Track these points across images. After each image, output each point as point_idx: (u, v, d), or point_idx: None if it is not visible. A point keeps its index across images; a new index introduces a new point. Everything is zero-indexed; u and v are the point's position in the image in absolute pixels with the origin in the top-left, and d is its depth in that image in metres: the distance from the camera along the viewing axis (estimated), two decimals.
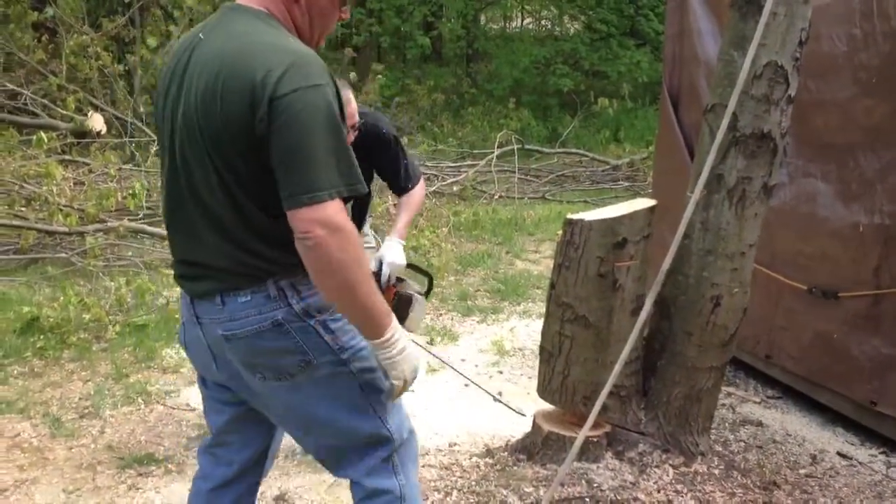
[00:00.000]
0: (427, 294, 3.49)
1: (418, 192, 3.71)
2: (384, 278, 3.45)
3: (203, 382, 2.32)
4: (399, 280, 3.48)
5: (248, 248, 1.97)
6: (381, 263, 3.43)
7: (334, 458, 2.22)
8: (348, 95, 3.41)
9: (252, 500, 2.44)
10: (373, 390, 2.12)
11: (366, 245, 3.98)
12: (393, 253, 3.45)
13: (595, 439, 3.47)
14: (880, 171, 3.80)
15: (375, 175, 3.71)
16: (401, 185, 3.67)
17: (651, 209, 3.29)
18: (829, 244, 4.09)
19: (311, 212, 1.81)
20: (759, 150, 3.15)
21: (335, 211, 1.82)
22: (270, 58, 1.84)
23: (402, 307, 3.45)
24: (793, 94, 3.21)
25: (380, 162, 3.65)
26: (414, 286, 3.52)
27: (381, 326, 1.97)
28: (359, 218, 3.81)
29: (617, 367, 2.72)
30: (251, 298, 2.00)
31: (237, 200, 1.94)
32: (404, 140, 3.81)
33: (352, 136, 3.43)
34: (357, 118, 3.47)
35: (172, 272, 2.21)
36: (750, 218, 3.23)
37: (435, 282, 4.01)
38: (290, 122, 1.81)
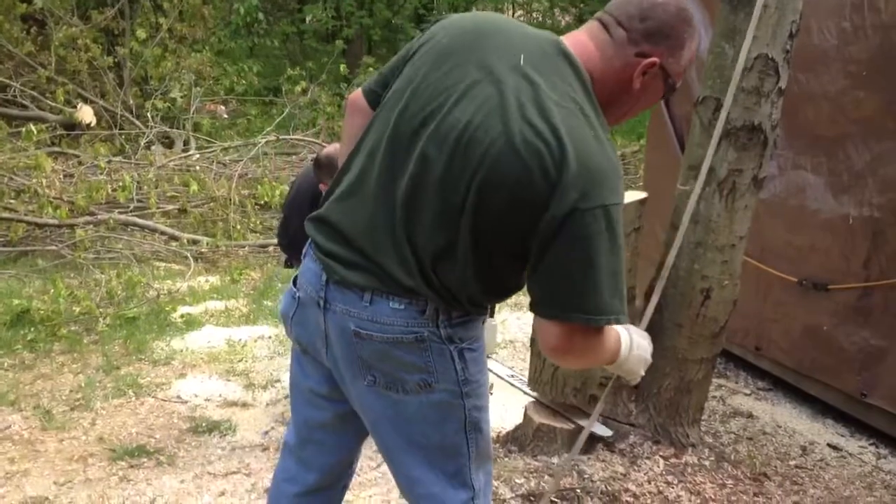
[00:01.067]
0: (491, 313, 3.48)
1: None
2: None
3: (304, 369, 2.15)
4: None
5: (427, 280, 1.82)
6: None
7: (413, 487, 2.07)
8: None
9: None
10: (474, 430, 2.01)
11: None
12: None
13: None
14: (870, 164, 3.82)
15: None
16: None
17: (641, 202, 3.29)
18: (818, 236, 4.11)
19: (568, 328, 1.74)
20: (750, 143, 3.16)
21: (580, 332, 1.76)
22: (591, 159, 1.66)
23: None
24: (783, 87, 3.21)
25: None
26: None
27: (616, 357, 1.99)
28: None
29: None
30: (405, 309, 1.85)
31: (451, 245, 1.78)
32: None
33: None
34: None
35: (315, 241, 1.98)
36: (740, 210, 3.24)
37: None
38: (589, 238, 1.66)
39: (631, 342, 2.01)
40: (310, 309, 1.98)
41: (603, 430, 3.42)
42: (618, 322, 1.74)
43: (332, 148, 3.66)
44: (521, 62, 1.74)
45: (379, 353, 1.89)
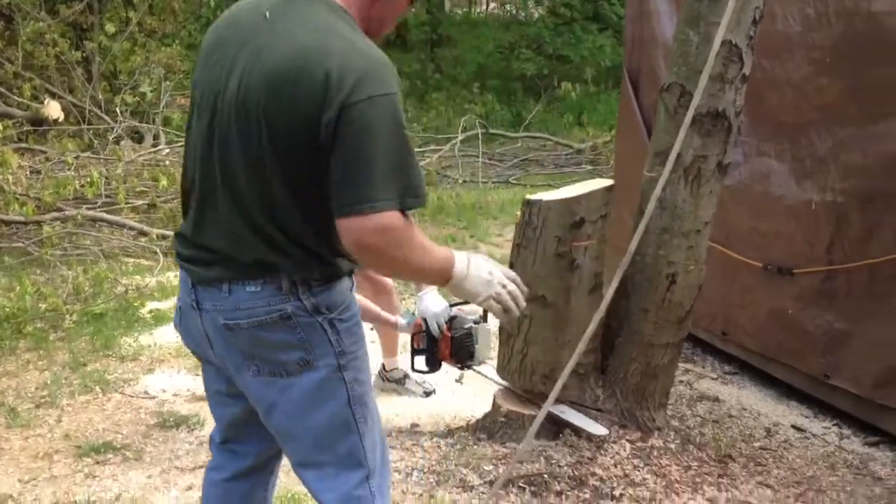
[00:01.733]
0: (484, 317, 3.49)
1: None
2: (434, 332, 3.53)
3: (207, 373, 2.25)
4: (451, 319, 3.53)
5: (271, 241, 1.92)
6: (426, 321, 3.54)
7: (312, 470, 2.12)
8: None
9: (267, 488, 2.40)
10: (359, 404, 2.07)
11: None
12: (432, 304, 3.56)
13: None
14: (833, 150, 3.85)
15: None
16: None
17: (608, 189, 3.30)
18: (783, 222, 4.15)
19: (367, 220, 1.79)
20: (714, 129, 3.17)
21: (394, 219, 1.81)
22: (348, 61, 1.80)
23: (463, 346, 3.50)
24: (747, 73, 3.23)
25: None
26: (467, 318, 3.57)
27: (445, 273, 1.98)
28: None
29: (580, 347, 2.73)
30: (261, 289, 1.94)
31: (273, 192, 1.89)
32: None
33: None
34: None
35: (176, 251, 2.13)
36: (705, 196, 3.26)
37: None
38: (360, 131, 1.78)
39: (468, 261, 2.02)
40: (188, 315, 2.08)
41: (598, 430, 3.41)
42: (405, 205, 1.82)
43: None
44: (267, 16, 1.91)
45: (252, 340, 1.97)
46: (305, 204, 1.89)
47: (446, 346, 3.55)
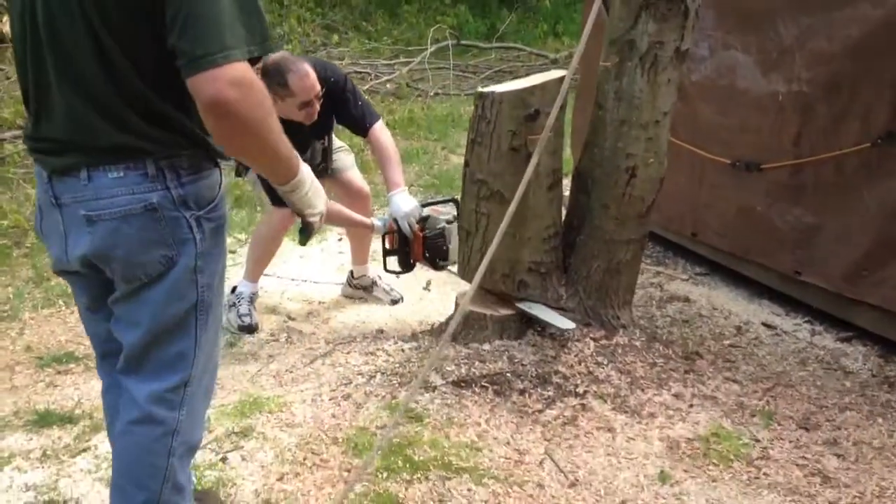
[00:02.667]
0: (458, 217, 3.56)
1: (387, 139, 3.91)
2: (406, 231, 3.59)
3: (74, 289, 2.10)
4: (424, 220, 3.60)
5: (120, 121, 1.75)
6: (396, 221, 3.60)
7: (130, 364, 1.99)
8: (306, 69, 3.54)
9: None
10: (204, 309, 1.97)
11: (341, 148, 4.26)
12: (402, 203, 3.63)
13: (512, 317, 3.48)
14: (798, 38, 3.76)
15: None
16: (365, 126, 3.88)
17: (559, 80, 3.20)
18: (750, 116, 4.08)
19: (221, 73, 1.60)
20: (670, 13, 3.06)
21: (248, 70, 1.64)
22: None
23: (436, 246, 3.59)
24: None
25: (340, 110, 3.85)
26: (441, 218, 3.63)
27: (293, 168, 1.89)
28: (325, 160, 4.04)
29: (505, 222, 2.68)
30: (124, 175, 1.78)
31: (110, 59, 1.71)
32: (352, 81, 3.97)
33: (317, 106, 3.63)
34: (318, 89, 3.60)
35: (29, 147, 1.93)
36: (663, 84, 3.17)
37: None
38: None
39: (307, 168, 1.98)
40: (48, 213, 1.91)
41: (565, 324, 3.37)
42: (253, 53, 1.65)
43: (278, 55, 3.55)
44: None
45: (113, 236, 1.82)
46: (150, 72, 1.73)
47: (419, 246, 3.58)
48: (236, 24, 1.63)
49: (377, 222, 3.76)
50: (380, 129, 3.89)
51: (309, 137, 3.80)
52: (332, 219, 4.08)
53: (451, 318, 3.69)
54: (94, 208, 1.80)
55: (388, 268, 3.77)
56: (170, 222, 1.84)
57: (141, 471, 2.03)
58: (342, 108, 3.84)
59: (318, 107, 3.62)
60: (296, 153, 1.89)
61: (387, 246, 3.71)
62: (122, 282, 1.90)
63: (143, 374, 1.98)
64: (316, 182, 2.02)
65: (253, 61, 1.67)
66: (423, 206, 3.67)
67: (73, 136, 1.79)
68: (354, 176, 4.20)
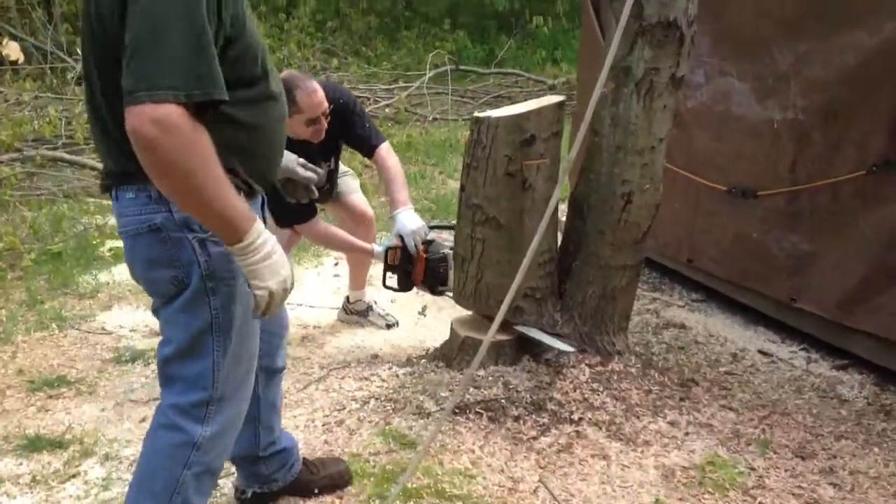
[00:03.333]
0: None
1: (394, 160, 3.93)
2: (411, 249, 3.62)
3: None
4: (427, 243, 3.63)
5: (122, 148, 1.79)
6: (402, 238, 3.63)
7: (164, 380, 2.09)
8: (314, 86, 3.55)
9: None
10: (221, 333, 2.00)
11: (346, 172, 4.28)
12: (408, 222, 3.65)
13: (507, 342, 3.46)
14: (794, 66, 3.76)
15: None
16: (371, 146, 3.90)
17: (559, 105, 3.21)
18: (745, 143, 4.08)
19: (145, 109, 1.62)
20: (666, 40, 3.07)
21: (176, 113, 1.63)
22: None
23: (437, 269, 3.61)
24: None
25: (348, 130, 3.87)
26: (445, 244, 3.66)
27: (237, 230, 1.78)
28: (330, 183, 3.98)
29: (526, 261, 2.66)
30: (136, 196, 1.90)
31: (105, 93, 1.83)
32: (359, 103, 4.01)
33: (324, 124, 3.63)
34: (326, 106, 3.61)
35: None
36: (658, 111, 3.17)
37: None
38: (145, 7, 1.64)
39: (272, 241, 1.86)
40: None
41: (564, 347, 3.36)
42: (192, 97, 1.65)
43: (286, 73, 3.57)
44: None
45: (132, 254, 1.98)
46: None
47: (421, 268, 3.60)
48: (178, 65, 1.64)
49: (377, 248, 3.75)
50: (386, 151, 3.91)
51: (316, 157, 3.81)
52: (332, 243, 4.11)
53: (445, 343, 3.67)
54: (120, 225, 1.98)
55: (387, 284, 3.79)
56: (175, 243, 1.91)
57: (156, 475, 2.09)
58: (350, 128, 3.86)
59: (325, 125, 3.62)
60: (251, 217, 1.82)
61: (389, 261, 3.73)
62: (151, 297, 2.04)
63: (171, 388, 2.07)
64: (276, 258, 1.87)
65: (206, 106, 1.70)
66: (430, 227, 3.70)
67: (104, 159, 1.98)
68: (359, 200, 4.21)
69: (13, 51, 9.00)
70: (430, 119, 9.91)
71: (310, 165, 2.93)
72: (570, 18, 15.07)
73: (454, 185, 7.41)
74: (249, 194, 1.99)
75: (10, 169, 6.54)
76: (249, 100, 1.90)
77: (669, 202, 3.48)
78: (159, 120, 1.62)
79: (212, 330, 1.98)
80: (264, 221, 2.07)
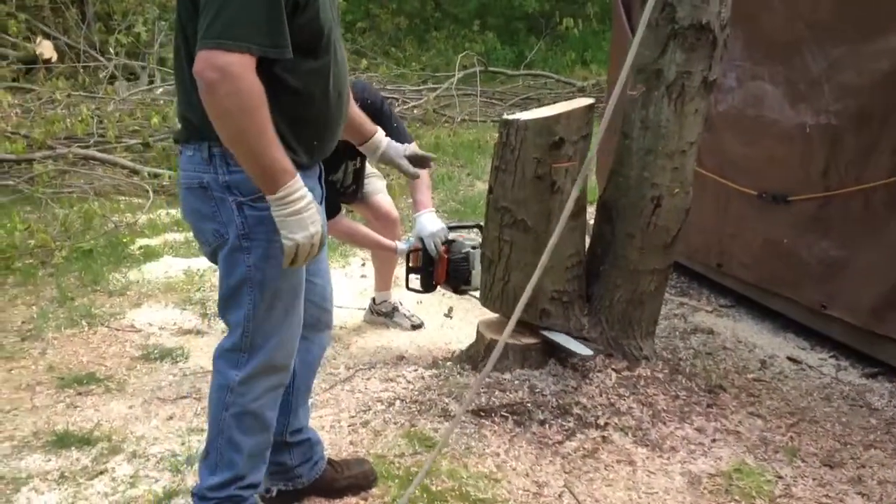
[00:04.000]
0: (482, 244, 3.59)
1: None
2: (431, 251, 3.65)
3: None
4: (450, 243, 3.66)
5: (190, 104, 2.01)
6: (422, 240, 3.67)
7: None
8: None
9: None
10: (256, 288, 2.17)
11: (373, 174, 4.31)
12: (428, 223, 3.68)
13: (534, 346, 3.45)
14: (827, 70, 3.72)
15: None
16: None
17: (589, 108, 3.19)
18: (777, 147, 4.04)
19: (212, 55, 1.82)
20: (698, 43, 3.04)
21: (238, 63, 1.83)
22: None
23: (459, 270, 3.63)
24: None
25: None
26: (466, 243, 3.68)
27: (276, 182, 1.96)
28: (356, 182, 4.02)
29: (544, 258, 2.65)
30: (193, 154, 2.10)
31: (188, 51, 1.97)
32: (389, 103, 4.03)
33: None
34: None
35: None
36: (690, 114, 3.15)
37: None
38: None
39: (308, 196, 2.02)
40: None
41: (583, 350, 3.34)
42: (264, 53, 1.87)
43: None
44: None
45: (184, 202, 2.20)
46: None
47: (443, 268, 3.62)
48: (248, 18, 1.83)
49: (401, 245, 3.75)
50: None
51: (342, 156, 3.81)
52: (356, 239, 4.12)
53: (471, 345, 3.67)
54: (179, 177, 2.20)
55: (410, 286, 3.81)
56: (218, 202, 2.11)
57: (210, 412, 2.33)
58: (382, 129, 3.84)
59: None
60: (291, 172, 1.98)
61: (410, 264, 3.74)
62: (199, 243, 2.28)
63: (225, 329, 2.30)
64: (307, 214, 2.03)
65: (266, 62, 1.89)
66: (450, 228, 3.70)
67: (178, 107, 2.19)
68: (384, 200, 4.22)
69: (47, 49, 9.11)
70: (459, 120, 9.91)
71: None
72: (600, 20, 15.03)
73: (482, 186, 7.40)
74: (297, 163, 2.07)
75: (43, 166, 6.61)
76: (306, 70, 2.03)
77: (699, 206, 3.46)
78: (222, 67, 1.82)
79: (246, 283, 2.16)
80: (323, 194, 2.33)
